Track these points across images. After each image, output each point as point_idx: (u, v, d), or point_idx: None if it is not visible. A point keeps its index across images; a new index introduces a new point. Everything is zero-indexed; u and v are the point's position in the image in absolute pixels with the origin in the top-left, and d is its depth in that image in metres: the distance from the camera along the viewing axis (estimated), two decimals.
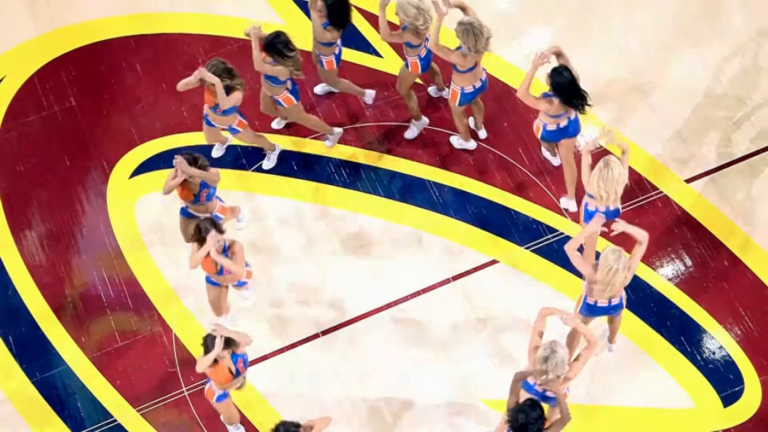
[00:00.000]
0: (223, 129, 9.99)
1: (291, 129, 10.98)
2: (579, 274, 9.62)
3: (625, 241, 8.91)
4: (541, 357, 8.31)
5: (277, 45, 9.37)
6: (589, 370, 9.34)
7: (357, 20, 11.17)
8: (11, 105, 10.84)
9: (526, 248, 9.90)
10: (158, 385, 9.36)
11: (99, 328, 9.61)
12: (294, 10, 11.58)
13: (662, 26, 11.75)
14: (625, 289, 9.25)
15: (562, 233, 9.89)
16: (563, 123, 9.40)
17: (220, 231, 8.69)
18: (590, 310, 8.89)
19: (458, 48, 9.64)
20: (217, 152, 10.42)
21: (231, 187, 10.38)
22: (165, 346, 9.54)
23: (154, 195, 10.17)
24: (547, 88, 9.43)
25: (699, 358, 9.35)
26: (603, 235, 9.01)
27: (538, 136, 9.83)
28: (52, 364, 9.41)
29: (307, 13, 10.57)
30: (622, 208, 9.54)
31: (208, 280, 9.31)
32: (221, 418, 9.24)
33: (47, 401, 9.23)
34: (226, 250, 8.96)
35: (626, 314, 9.41)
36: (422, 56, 9.93)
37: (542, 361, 8.28)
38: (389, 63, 11.15)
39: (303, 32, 10.55)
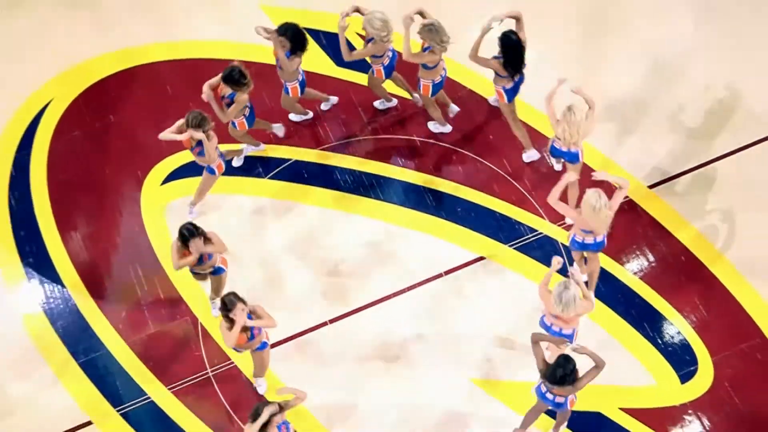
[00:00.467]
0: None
1: (301, 141, 11.04)
2: (560, 271, 9.71)
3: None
4: (556, 295, 8.61)
5: (234, 76, 9.62)
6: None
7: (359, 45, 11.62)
8: (59, 123, 11.24)
9: (510, 246, 10.28)
10: (186, 367, 9.72)
11: (134, 317, 9.97)
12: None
13: (623, 43, 11.76)
14: (597, 283, 9.86)
15: (541, 233, 10.26)
16: (509, 85, 9.97)
17: (244, 302, 8.65)
18: (581, 246, 9.24)
19: (426, 48, 10.06)
20: (237, 162, 10.77)
21: (246, 193, 10.74)
22: (192, 332, 9.91)
23: (182, 200, 10.60)
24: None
25: (659, 341, 9.72)
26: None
27: (504, 101, 10.27)
28: (94, 348, 9.83)
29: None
30: None
31: (238, 350, 9.11)
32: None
33: (91, 380, 9.63)
34: (250, 315, 8.93)
35: (596, 303, 9.74)
36: (385, 64, 10.43)
37: (557, 300, 8.60)
38: (387, 82, 11.29)
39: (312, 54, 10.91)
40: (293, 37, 9.98)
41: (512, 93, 10.26)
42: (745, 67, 11.57)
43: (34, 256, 10.42)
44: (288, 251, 10.50)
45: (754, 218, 10.60)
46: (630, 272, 10.11)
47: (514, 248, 10.27)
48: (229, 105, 10.18)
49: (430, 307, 10.09)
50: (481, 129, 11.24)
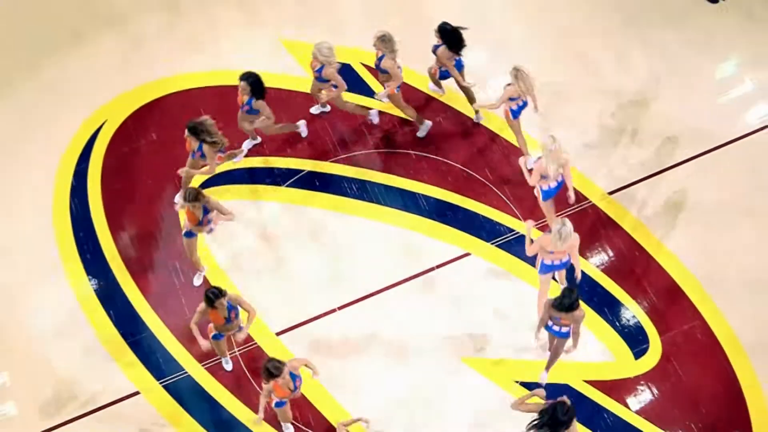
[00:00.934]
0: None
1: (313, 154, 11.42)
2: (531, 262, 10.29)
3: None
4: (556, 232, 9.27)
5: (197, 128, 9.89)
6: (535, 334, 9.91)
7: (360, 71, 12.03)
8: (111, 141, 11.72)
9: (492, 243, 10.86)
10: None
11: (173, 304, 10.42)
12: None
13: (590, 83, 12.18)
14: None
15: (518, 232, 10.86)
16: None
17: (282, 364, 8.71)
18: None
19: (382, 57, 10.77)
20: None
21: (266, 198, 11.18)
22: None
23: None
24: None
25: (617, 324, 10.37)
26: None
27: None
28: (140, 330, 10.32)
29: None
30: (564, 215, 10.47)
31: (279, 405, 9.22)
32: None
33: (137, 357, 10.15)
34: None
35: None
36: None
37: (558, 236, 9.28)
38: (387, 104, 11.72)
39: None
40: (254, 84, 10.44)
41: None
42: (685, 93, 12.04)
43: (90, 253, 10.85)
44: (301, 248, 10.90)
45: (695, 218, 11.08)
46: (593, 265, 10.71)
47: (496, 245, 10.82)
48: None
49: (424, 295, 10.54)
50: (466, 144, 11.68)
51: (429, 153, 11.50)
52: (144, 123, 11.82)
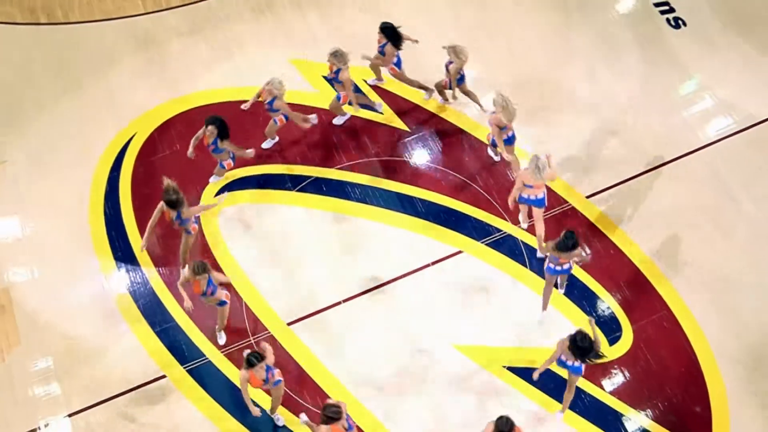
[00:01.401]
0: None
1: (321, 161, 11.69)
2: (517, 260, 10.75)
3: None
4: (533, 167, 9.94)
5: (174, 202, 10.02)
6: (523, 326, 10.50)
7: (364, 89, 12.37)
8: (140, 151, 12.04)
9: (482, 242, 11.18)
10: (234, 335, 10.50)
11: (195, 296, 10.01)
12: (324, 84, 12.61)
13: (569, 100, 12.53)
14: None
15: (505, 232, 11.23)
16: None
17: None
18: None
19: (338, 71, 11.20)
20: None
21: (278, 202, 11.45)
22: (238, 308, 10.63)
23: (229, 208, 11.40)
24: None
25: (594, 314, 10.74)
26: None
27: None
28: (167, 320, 10.62)
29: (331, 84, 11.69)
30: (547, 216, 10.87)
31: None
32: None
33: (164, 344, 10.46)
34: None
35: (543, 285, 10.48)
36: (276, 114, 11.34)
37: (535, 170, 9.96)
38: (386, 117, 12.25)
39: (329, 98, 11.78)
40: (220, 126, 10.76)
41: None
42: (653, 107, 12.50)
43: (122, 251, 11.15)
44: (309, 246, 11.15)
45: (663, 219, 11.50)
46: (572, 262, 10.39)
47: (485, 244, 11.15)
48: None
49: (421, 288, 10.86)
50: (459, 152, 12.02)
51: (426, 161, 11.76)
52: (169, 135, 12.11)
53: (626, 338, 10.48)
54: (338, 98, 11.45)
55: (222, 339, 10.34)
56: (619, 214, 11.39)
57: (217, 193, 11.15)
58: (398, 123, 11.94)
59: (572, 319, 10.51)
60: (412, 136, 11.94)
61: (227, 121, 10.94)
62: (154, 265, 11.00)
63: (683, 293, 10.77)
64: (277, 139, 11.79)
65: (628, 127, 12.22)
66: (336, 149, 11.89)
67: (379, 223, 11.29)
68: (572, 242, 9.56)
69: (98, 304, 10.73)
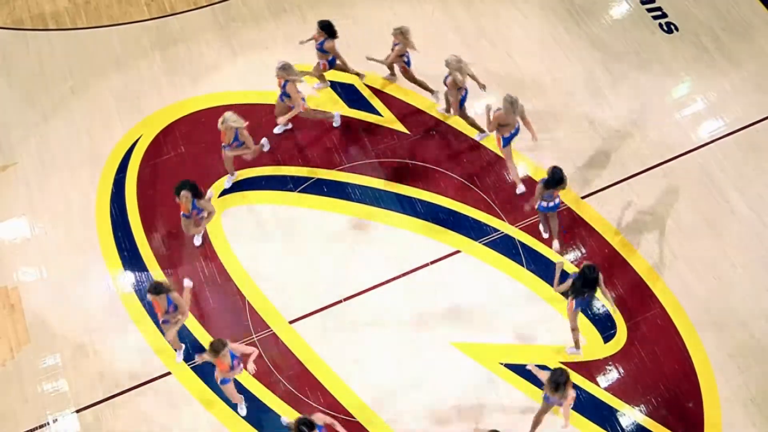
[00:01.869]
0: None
1: (322, 163, 11.65)
2: (514, 259, 10.74)
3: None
4: (506, 102, 10.31)
5: (156, 286, 9.62)
6: (520, 324, 10.51)
7: (363, 90, 12.39)
8: (146, 153, 12.07)
9: (479, 242, 11.21)
10: (237, 333, 10.48)
11: (199, 294, 10.62)
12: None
13: (567, 107, 12.51)
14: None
15: (502, 232, 11.23)
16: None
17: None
18: (506, 141, 10.68)
19: (285, 83, 11.04)
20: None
21: (280, 203, 11.45)
22: (241, 307, 10.70)
23: (234, 209, 11.42)
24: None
25: (589, 312, 10.80)
26: None
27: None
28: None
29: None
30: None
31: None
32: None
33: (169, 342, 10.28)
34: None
35: (540, 284, 10.75)
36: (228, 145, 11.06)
37: (509, 106, 10.32)
38: (387, 120, 12.27)
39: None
40: (191, 188, 10.47)
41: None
42: (647, 110, 12.48)
43: (127, 251, 11.20)
44: (311, 246, 11.16)
45: (656, 219, 11.47)
46: (568, 261, 11.08)
47: (483, 244, 11.18)
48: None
49: (420, 288, 10.87)
50: (457, 155, 12.01)
51: (424, 163, 11.77)
52: (173, 137, 12.16)
53: (620, 336, 10.52)
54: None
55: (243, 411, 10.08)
56: (613, 214, 11.39)
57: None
58: (398, 126, 11.95)
59: (569, 318, 10.22)
60: (412, 139, 11.94)
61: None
62: (158, 264, 11.00)
63: (676, 292, 10.78)
64: (290, 126, 11.85)
65: (623, 130, 12.20)
66: (337, 151, 11.91)
67: (379, 224, 11.31)
68: (560, 175, 9.88)
69: (105, 302, 10.79)
